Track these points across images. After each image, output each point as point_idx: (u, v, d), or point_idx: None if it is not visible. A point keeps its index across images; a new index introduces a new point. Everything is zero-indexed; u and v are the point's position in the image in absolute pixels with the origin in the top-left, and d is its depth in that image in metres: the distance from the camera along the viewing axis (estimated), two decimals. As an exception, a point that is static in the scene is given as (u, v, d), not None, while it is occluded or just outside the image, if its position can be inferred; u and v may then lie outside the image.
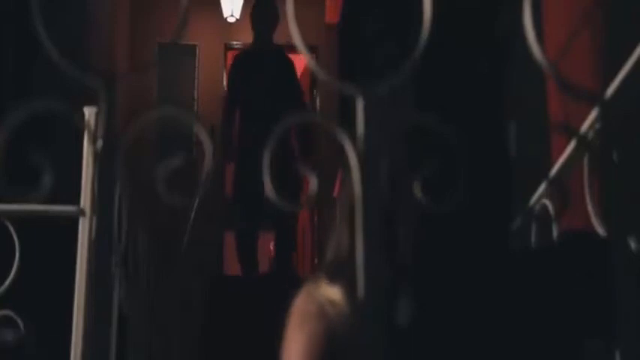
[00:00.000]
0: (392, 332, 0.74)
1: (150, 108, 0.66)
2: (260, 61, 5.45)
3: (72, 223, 1.93)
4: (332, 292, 0.80)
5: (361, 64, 0.84)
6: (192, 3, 0.54)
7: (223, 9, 8.00)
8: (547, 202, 1.84)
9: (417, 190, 0.53)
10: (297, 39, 0.49)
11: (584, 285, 0.78)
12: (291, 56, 5.60)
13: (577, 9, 2.78)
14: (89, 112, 1.68)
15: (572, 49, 2.71)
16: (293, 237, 5.50)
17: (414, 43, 0.47)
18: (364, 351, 0.45)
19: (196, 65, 8.02)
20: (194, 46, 7.96)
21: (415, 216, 0.76)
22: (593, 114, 1.59)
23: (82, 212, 1.89)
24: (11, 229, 1.95)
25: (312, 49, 6.72)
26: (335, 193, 6.26)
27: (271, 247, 6.53)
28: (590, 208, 1.56)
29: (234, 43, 8.17)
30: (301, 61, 5.89)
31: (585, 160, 1.62)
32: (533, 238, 1.74)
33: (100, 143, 0.73)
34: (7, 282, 1.93)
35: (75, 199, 1.91)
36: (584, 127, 1.67)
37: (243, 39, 7.83)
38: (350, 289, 0.78)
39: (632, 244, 0.83)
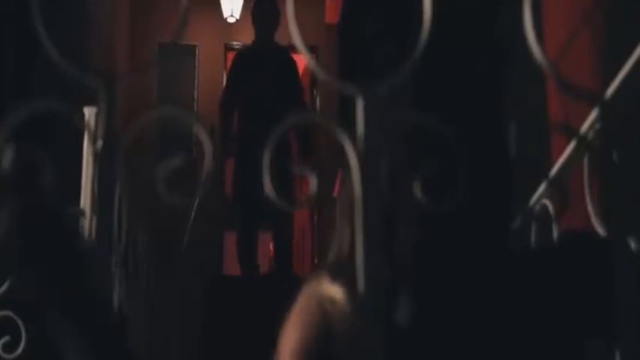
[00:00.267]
0: (392, 332, 0.74)
1: (150, 108, 0.66)
2: (261, 60, 5.41)
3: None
4: (333, 290, 0.80)
5: (361, 64, 0.84)
6: (192, 3, 0.54)
7: (223, 9, 8.00)
8: (547, 202, 1.84)
9: (417, 190, 0.53)
10: (297, 39, 0.49)
11: (584, 285, 0.78)
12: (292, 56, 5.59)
13: (577, 9, 2.78)
14: (89, 112, 1.68)
15: (572, 49, 2.71)
16: (291, 236, 5.48)
17: (414, 43, 0.47)
18: (364, 350, 0.45)
19: (196, 65, 8.02)
20: (194, 47, 7.96)
21: (415, 216, 0.76)
22: (593, 114, 1.59)
23: (82, 212, 1.89)
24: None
25: (312, 49, 6.72)
26: (335, 193, 6.26)
27: (271, 247, 6.52)
28: (590, 208, 1.56)
29: (234, 43, 8.17)
30: (301, 61, 5.89)
31: (585, 160, 1.62)
32: (533, 238, 1.74)
33: (100, 143, 0.73)
34: (7, 282, 1.93)
35: (75, 199, 1.91)
36: (584, 127, 1.67)
37: (243, 39, 7.83)
38: (351, 288, 0.77)
39: (632, 244, 0.83)
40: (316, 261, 7.50)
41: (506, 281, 0.80)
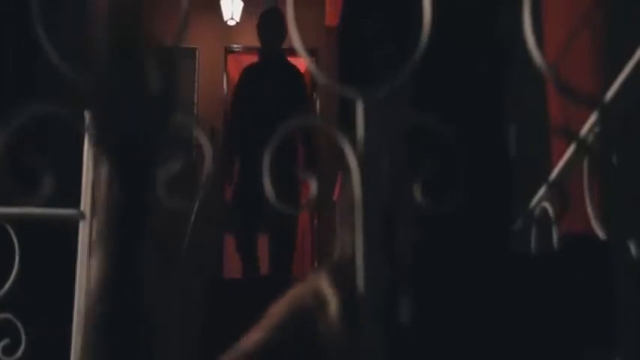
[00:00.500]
0: (391, 332, 0.74)
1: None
2: (267, 75, 5.29)
3: (72, 226, 1.92)
4: (329, 292, 0.80)
5: (361, 65, 0.84)
6: (192, 6, 0.54)
7: (223, 12, 8.00)
8: (547, 205, 1.84)
9: (417, 193, 0.53)
10: (296, 42, 0.49)
11: (585, 288, 0.78)
12: (292, 59, 5.55)
13: (577, 9, 2.78)
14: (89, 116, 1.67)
15: (572, 49, 2.71)
16: (293, 240, 5.45)
17: (413, 45, 0.47)
18: (364, 351, 0.45)
19: (196, 68, 8.02)
20: (194, 49, 7.96)
21: (415, 216, 0.76)
22: (593, 117, 1.59)
23: (82, 215, 1.89)
24: (11, 232, 1.95)
25: (312, 51, 6.71)
26: (335, 197, 6.25)
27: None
28: (590, 211, 1.56)
29: (235, 46, 8.17)
30: (301, 63, 5.88)
31: (585, 164, 1.62)
32: (533, 241, 1.74)
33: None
34: (7, 285, 1.93)
35: (75, 202, 1.91)
36: (584, 130, 1.67)
37: (244, 42, 7.84)
38: (347, 297, 0.78)
39: (633, 249, 0.83)
40: (316, 264, 7.50)
41: (506, 283, 0.80)
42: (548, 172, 2.12)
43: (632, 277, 0.48)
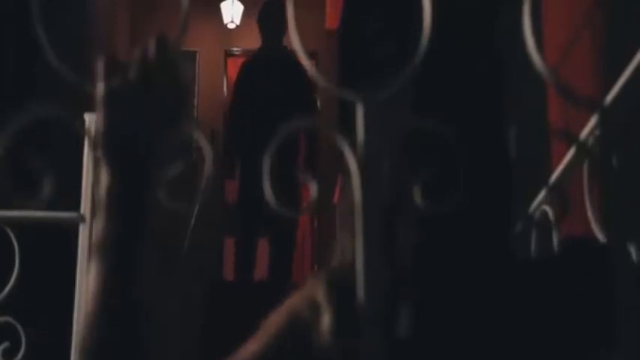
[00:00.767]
0: (392, 336, 0.74)
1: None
2: (268, 68, 5.12)
3: (72, 229, 1.93)
4: (324, 305, 0.80)
5: (361, 67, 0.84)
6: (192, 9, 0.54)
7: (223, 15, 8.01)
8: (547, 208, 1.84)
9: (417, 196, 0.52)
10: (297, 44, 0.49)
11: (585, 292, 0.78)
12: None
13: (577, 9, 2.78)
14: (90, 119, 1.68)
15: (572, 51, 2.71)
16: (293, 242, 5.41)
17: (414, 48, 0.47)
18: (364, 355, 0.45)
19: (196, 71, 8.03)
20: (194, 52, 7.97)
21: (416, 219, 0.76)
22: (593, 120, 1.59)
23: (82, 218, 1.90)
24: (11, 235, 1.95)
25: (312, 54, 6.71)
26: (335, 200, 6.25)
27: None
28: (590, 214, 1.56)
29: (235, 49, 8.18)
30: (302, 66, 5.86)
31: (585, 167, 1.62)
32: (533, 245, 1.74)
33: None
34: (7, 288, 1.93)
35: (75, 205, 1.91)
36: (584, 133, 1.67)
37: (244, 45, 7.84)
38: (347, 300, 0.78)
39: (633, 252, 0.83)
40: (316, 266, 7.50)
41: (506, 286, 0.80)
42: (549, 175, 2.12)
43: (633, 280, 0.48)
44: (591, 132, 1.63)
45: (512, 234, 0.84)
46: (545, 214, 1.85)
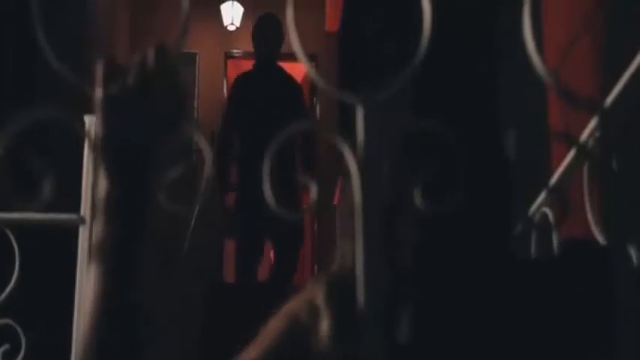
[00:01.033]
0: (392, 338, 0.74)
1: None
2: (262, 84, 5.05)
3: (72, 230, 1.93)
4: (321, 303, 0.80)
5: (361, 69, 0.84)
6: (192, 11, 0.54)
7: (223, 17, 8.01)
8: (547, 210, 1.84)
9: (417, 197, 0.52)
10: (296, 47, 0.49)
11: (585, 293, 0.78)
12: (292, 64, 5.47)
13: (577, 10, 2.78)
14: (89, 121, 1.68)
15: (572, 52, 2.71)
16: (297, 246, 5.38)
17: (413, 49, 0.47)
18: (364, 358, 0.45)
19: (196, 73, 8.03)
20: (194, 54, 7.97)
21: (416, 221, 0.76)
22: (593, 122, 1.59)
23: (82, 220, 1.89)
24: (11, 237, 1.95)
25: (312, 57, 6.70)
26: (335, 201, 6.25)
27: (272, 255, 6.51)
28: (590, 216, 1.56)
29: (235, 51, 8.18)
30: (301, 68, 5.87)
31: (585, 169, 1.62)
32: (533, 246, 1.74)
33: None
34: (7, 290, 1.93)
35: (75, 206, 1.91)
36: (584, 135, 1.67)
37: (243, 47, 7.84)
38: (347, 305, 0.77)
39: (633, 255, 0.83)
40: (316, 269, 7.50)
41: (506, 288, 0.80)
42: (549, 177, 2.12)
43: (632, 282, 0.48)
44: (591, 134, 1.63)
45: (513, 235, 0.84)
46: (545, 215, 1.85)
